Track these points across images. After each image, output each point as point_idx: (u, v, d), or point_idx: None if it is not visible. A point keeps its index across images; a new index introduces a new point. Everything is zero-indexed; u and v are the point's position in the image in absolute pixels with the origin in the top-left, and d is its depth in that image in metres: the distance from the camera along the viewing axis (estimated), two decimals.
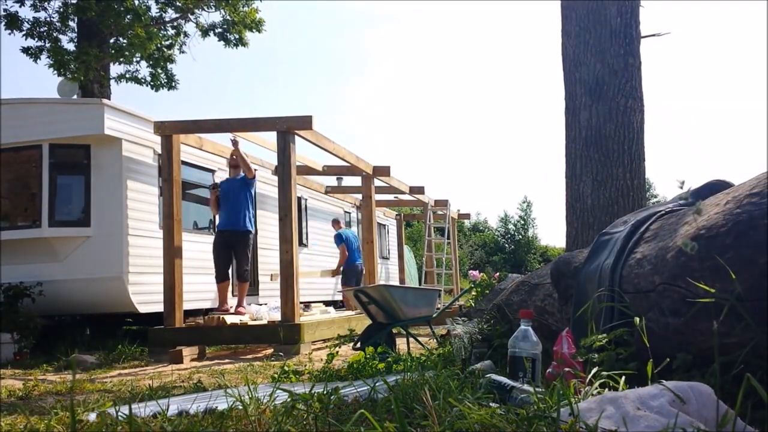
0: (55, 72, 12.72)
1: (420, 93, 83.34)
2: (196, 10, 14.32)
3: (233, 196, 8.74)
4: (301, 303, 8.88)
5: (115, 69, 14.11)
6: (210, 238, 9.96)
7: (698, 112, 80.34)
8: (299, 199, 12.64)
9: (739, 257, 1.98)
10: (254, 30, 14.72)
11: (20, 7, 13.22)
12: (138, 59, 13.78)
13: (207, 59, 24.92)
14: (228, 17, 14.50)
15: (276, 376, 4.20)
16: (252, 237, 8.98)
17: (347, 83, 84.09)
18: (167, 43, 14.59)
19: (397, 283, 18.04)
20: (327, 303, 12.72)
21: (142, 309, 8.80)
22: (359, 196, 14.35)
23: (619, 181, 5.29)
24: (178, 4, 14.25)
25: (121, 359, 7.57)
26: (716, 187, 2.70)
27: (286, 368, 4.19)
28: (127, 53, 13.12)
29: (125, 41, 13.14)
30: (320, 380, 3.76)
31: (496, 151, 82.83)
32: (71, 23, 13.65)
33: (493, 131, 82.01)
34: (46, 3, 13.42)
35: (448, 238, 17.40)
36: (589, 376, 2.14)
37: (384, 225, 18.89)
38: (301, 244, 12.71)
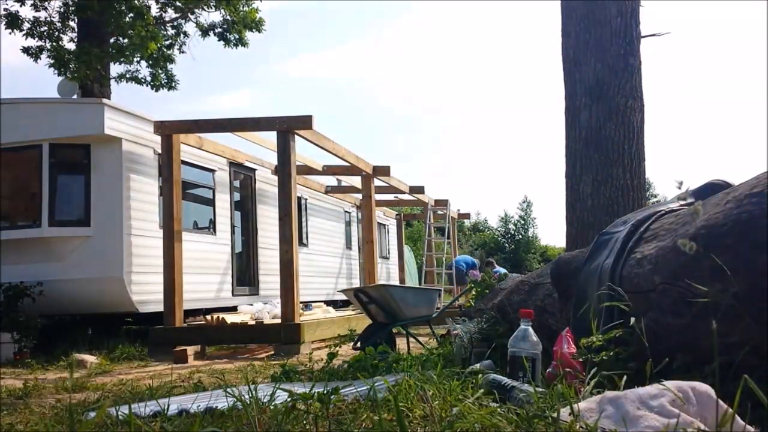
0: (56, 72, 12.71)
1: (420, 92, 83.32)
2: (196, 10, 14.31)
3: None
4: (301, 303, 8.88)
5: (116, 69, 14.11)
6: (210, 238, 9.93)
7: (698, 111, 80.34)
8: (299, 198, 12.63)
9: (740, 257, 1.98)
10: (254, 30, 14.71)
11: (21, 6, 13.21)
12: (138, 59, 13.76)
13: (207, 59, 24.94)
14: (228, 17, 14.49)
15: (276, 375, 4.19)
16: None
17: (347, 82, 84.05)
18: (167, 42, 14.57)
19: (397, 282, 18.04)
20: (327, 303, 12.73)
21: (142, 309, 8.80)
22: (359, 196, 14.34)
23: (619, 181, 5.28)
24: (178, 4, 14.23)
25: (121, 359, 7.56)
26: (716, 187, 2.70)
27: (286, 368, 4.18)
28: (127, 53, 13.10)
29: (126, 41, 13.12)
30: (320, 380, 3.75)
31: (496, 151, 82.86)
32: (71, 23, 13.64)
33: (493, 131, 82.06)
34: (46, 2, 13.40)
35: (448, 238, 17.39)
36: (589, 376, 2.13)
37: (384, 225, 18.88)
38: (301, 243, 12.71)
